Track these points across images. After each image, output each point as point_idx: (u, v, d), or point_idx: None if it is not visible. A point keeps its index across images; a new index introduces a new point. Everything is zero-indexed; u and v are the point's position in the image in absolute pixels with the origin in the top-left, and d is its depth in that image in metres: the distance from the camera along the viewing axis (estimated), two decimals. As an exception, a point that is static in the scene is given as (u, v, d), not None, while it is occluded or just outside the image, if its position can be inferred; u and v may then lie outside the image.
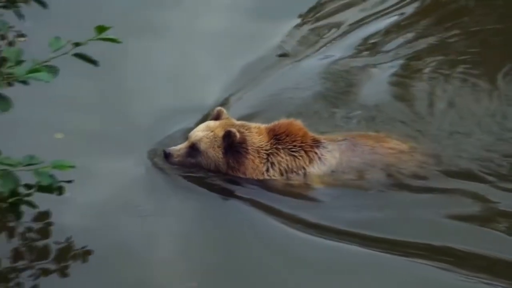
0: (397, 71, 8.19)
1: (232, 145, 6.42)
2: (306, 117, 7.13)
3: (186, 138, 6.62)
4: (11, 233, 5.68)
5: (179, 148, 6.52)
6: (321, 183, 6.49)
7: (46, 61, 4.23)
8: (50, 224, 5.80)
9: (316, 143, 6.55)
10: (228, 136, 6.40)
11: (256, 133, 6.53)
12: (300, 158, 6.49)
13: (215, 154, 6.45)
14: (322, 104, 7.55)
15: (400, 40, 8.74)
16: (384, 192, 6.41)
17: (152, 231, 6.01)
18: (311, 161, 6.49)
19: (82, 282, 5.48)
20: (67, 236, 5.70)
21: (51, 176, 4.35)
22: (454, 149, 6.83)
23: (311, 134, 6.62)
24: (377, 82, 7.98)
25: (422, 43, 8.63)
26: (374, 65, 8.28)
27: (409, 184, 6.47)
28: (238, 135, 6.40)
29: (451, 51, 8.42)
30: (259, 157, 6.47)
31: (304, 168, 6.48)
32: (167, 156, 6.49)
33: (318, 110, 7.46)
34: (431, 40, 8.66)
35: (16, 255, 5.55)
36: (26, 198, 4.52)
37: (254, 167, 6.46)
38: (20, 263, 5.49)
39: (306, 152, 6.50)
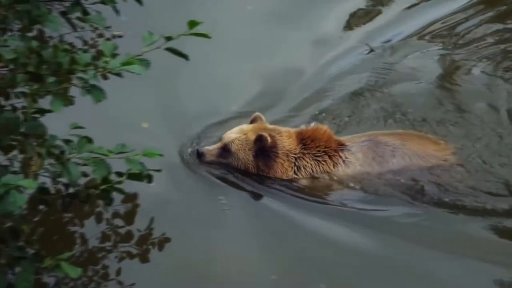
0: (453, 63, 8.05)
1: (263, 149, 6.55)
2: (354, 111, 7.29)
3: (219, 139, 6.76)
4: (98, 218, 5.94)
5: (212, 148, 6.70)
6: (346, 186, 6.55)
7: (139, 55, 4.33)
8: (134, 209, 6.03)
9: (340, 146, 6.63)
10: (259, 140, 6.54)
11: (286, 137, 6.64)
12: (324, 163, 6.58)
13: (246, 156, 6.60)
14: (371, 98, 7.56)
15: (459, 28, 8.60)
16: (404, 197, 6.38)
17: (226, 223, 6.18)
18: (335, 165, 6.57)
19: (161, 268, 5.68)
20: (149, 221, 5.93)
21: (141, 163, 4.50)
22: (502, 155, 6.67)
23: (336, 137, 6.70)
24: (427, 77, 7.85)
25: (481, 33, 8.45)
26: (427, 57, 8.17)
27: (431, 191, 6.40)
28: (269, 139, 6.53)
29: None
30: (288, 160, 6.60)
31: (328, 172, 6.56)
32: (200, 155, 6.68)
33: (366, 104, 7.48)
34: (493, 28, 8.47)
35: (103, 237, 5.81)
36: (116, 185, 4.64)
37: (283, 170, 6.60)
38: (106, 246, 5.75)
39: (330, 156, 6.59)
